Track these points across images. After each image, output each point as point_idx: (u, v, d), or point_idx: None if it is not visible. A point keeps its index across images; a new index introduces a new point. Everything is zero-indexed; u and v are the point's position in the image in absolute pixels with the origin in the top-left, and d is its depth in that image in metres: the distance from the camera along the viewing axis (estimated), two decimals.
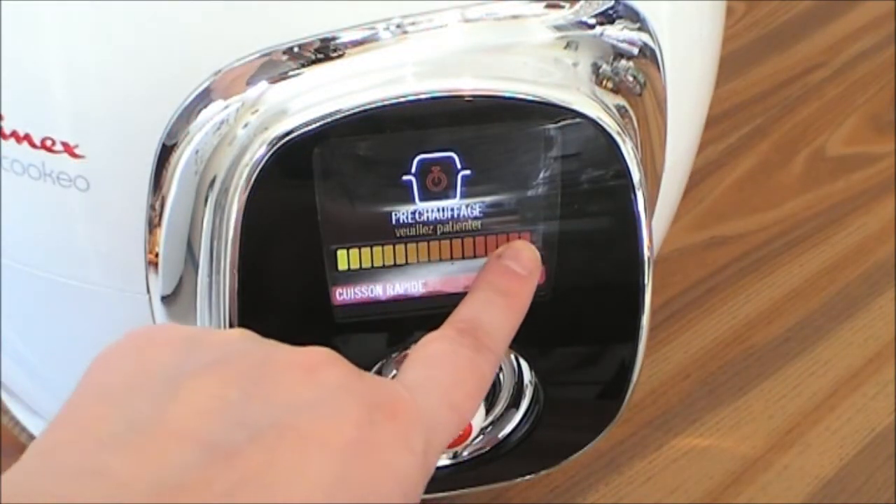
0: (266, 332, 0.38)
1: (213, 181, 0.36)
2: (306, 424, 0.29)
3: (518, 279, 0.37)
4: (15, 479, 0.27)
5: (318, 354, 0.31)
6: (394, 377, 0.34)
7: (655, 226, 0.42)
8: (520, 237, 0.39)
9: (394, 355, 0.40)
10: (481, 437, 0.43)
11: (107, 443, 0.28)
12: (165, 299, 0.39)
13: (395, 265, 0.38)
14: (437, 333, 0.35)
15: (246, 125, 0.36)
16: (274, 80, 0.36)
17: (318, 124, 0.35)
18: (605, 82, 0.39)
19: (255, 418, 0.29)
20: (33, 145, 0.37)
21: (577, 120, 0.37)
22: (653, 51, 0.40)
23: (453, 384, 0.33)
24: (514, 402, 0.43)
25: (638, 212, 0.38)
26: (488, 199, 0.38)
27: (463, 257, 0.39)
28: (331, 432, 0.29)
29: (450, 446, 0.40)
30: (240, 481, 0.27)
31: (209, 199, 0.37)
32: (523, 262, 0.38)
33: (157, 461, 0.27)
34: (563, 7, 0.38)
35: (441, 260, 0.38)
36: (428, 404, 0.32)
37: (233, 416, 0.28)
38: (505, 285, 0.37)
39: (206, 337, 0.32)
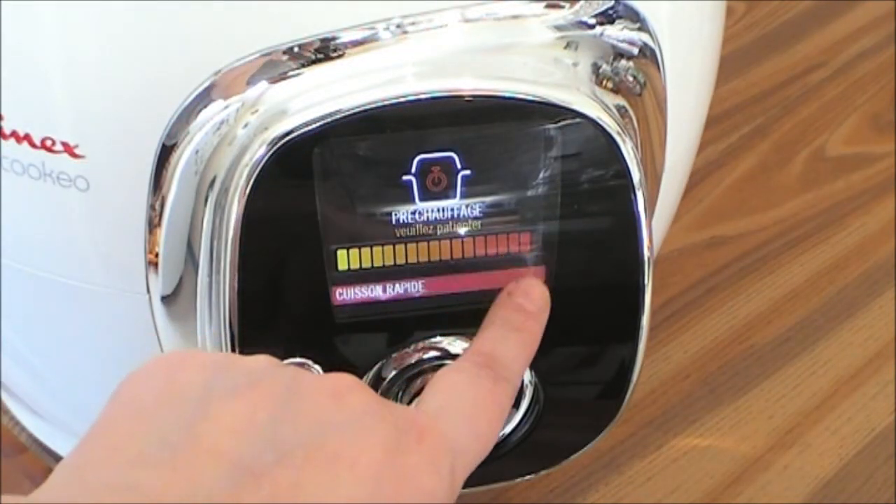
0: (266, 333, 0.38)
1: (213, 181, 0.36)
2: (334, 446, 0.29)
3: (530, 316, 0.38)
4: (46, 494, 0.28)
5: (345, 380, 0.32)
6: (411, 402, 0.34)
7: (655, 226, 0.42)
8: (520, 237, 0.39)
9: (394, 355, 0.40)
10: None
11: (138, 459, 0.28)
12: (165, 299, 0.39)
13: (395, 265, 0.38)
14: (455, 365, 0.36)
15: (246, 125, 0.36)
16: (274, 80, 0.36)
17: (318, 124, 0.35)
18: (605, 82, 0.39)
19: (283, 439, 0.29)
20: (33, 145, 0.37)
21: (577, 120, 0.37)
22: (653, 51, 0.40)
23: (475, 413, 0.34)
24: (514, 402, 0.43)
25: (638, 212, 0.38)
26: (488, 199, 0.38)
27: (463, 257, 0.39)
28: (359, 454, 0.29)
29: None
30: (268, 500, 0.27)
31: (209, 199, 0.37)
32: (533, 299, 0.39)
33: (188, 478, 0.28)
34: (563, 7, 0.38)
35: (441, 260, 0.38)
36: (452, 431, 0.33)
37: (262, 437, 0.29)
38: (518, 322, 0.38)
39: (235, 361, 0.32)
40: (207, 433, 0.29)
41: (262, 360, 0.32)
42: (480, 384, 0.35)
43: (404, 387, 0.40)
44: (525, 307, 0.38)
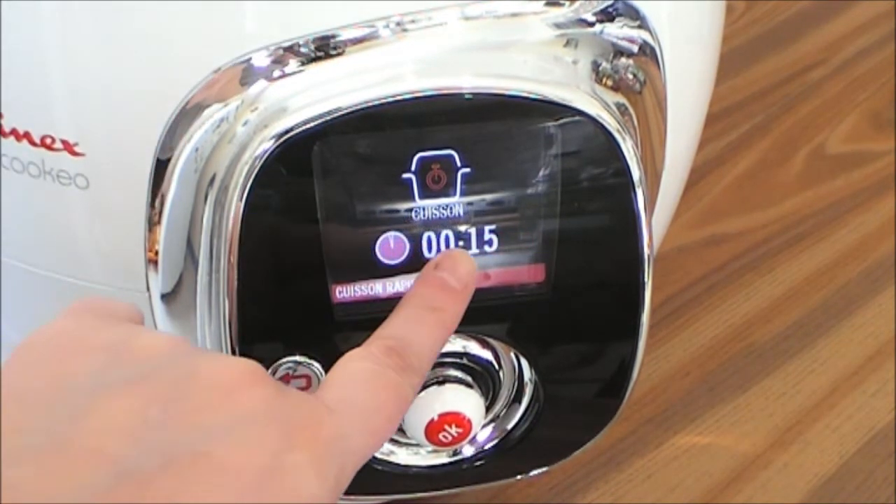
0: (266, 330, 0.38)
1: (212, 179, 0.36)
2: (221, 451, 0.28)
3: (452, 294, 0.36)
4: None
5: (244, 373, 0.30)
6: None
7: (655, 223, 0.42)
8: (520, 235, 0.39)
9: None
10: (481, 434, 0.43)
11: (18, 456, 0.27)
12: (165, 297, 0.39)
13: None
14: (362, 350, 0.34)
15: (246, 123, 0.36)
16: (274, 78, 0.36)
17: (317, 122, 0.35)
18: (604, 80, 0.39)
19: (170, 442, 0.28)
20: (33, 143, 0.37)
21: (577, 118, 0.37)
22: (653, 48, 0.40)
23: (375, 408, 0.32)
24: (515, 400, 0.43)
25: (638, 209, 0.38)
26: (488, 196, 0.38)
27: None
28: (245, 459, 0.28)
29: (450, 444, 0.40)
30: None
31: (209, 197, 0.37)
32: (459, 275, 0.37)
33: (66, 479, 0.27)
34: (562, 5, 0.38)
35: None
36: (348, 427, 0.31)
37: (147, 439, 0.28)
38: (438, 300, 0.36)
39: (131, 346, 0.31)
40: (91, 431, 0.28)
41: (162, 345, 0.31)
42: (385, 375, 0.33)
43: None
44: (448, 283, 0.36)
